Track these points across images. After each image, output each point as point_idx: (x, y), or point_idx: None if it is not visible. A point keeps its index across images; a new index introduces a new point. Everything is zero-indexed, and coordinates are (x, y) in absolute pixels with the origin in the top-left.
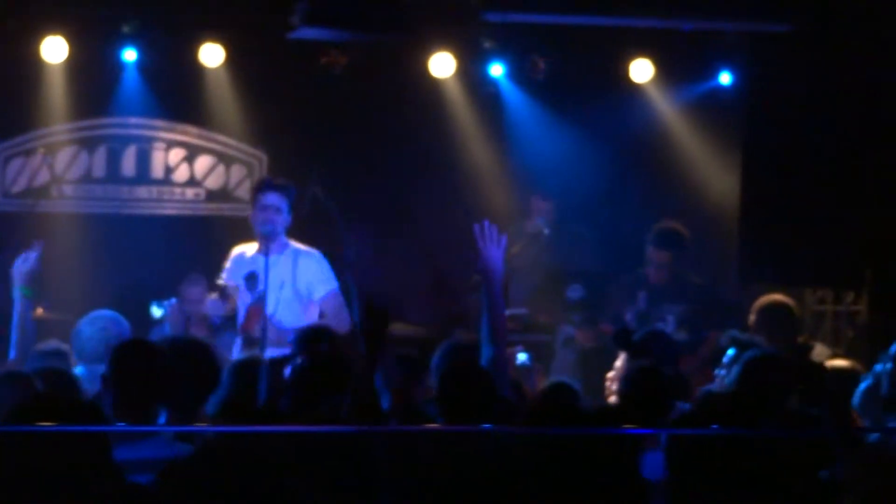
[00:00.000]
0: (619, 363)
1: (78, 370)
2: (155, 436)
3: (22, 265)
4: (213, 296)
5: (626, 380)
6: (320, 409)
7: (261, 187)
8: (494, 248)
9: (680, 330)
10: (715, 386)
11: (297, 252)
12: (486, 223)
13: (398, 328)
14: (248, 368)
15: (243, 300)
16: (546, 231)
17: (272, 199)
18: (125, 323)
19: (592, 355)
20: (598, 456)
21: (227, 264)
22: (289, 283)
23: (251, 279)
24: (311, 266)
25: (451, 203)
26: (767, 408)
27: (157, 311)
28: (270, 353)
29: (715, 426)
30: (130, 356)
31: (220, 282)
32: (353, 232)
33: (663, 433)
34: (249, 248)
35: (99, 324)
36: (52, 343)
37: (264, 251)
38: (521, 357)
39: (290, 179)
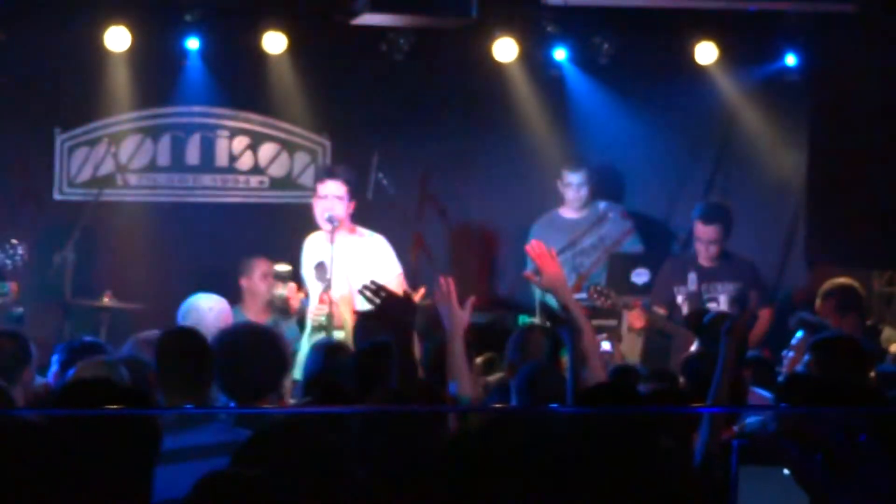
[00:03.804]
0: (693, 347)
1: None
2: (214, 421)
3: None
4: (280, 285)
5: (686, 365)
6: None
7: (320, 176)
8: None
9: (732, 309)
10: (784, 366)
11: (359, 239)
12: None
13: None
14: (333, 351)
15: (314, 288)
16: (611, 215)
17: (332, 187)
18: None
19: (660, 339)
20: (656, 439)
21: (303, 255)
22: (354, 269)
23: (320, 268)
24: (375, 251)
25: (514, 188)
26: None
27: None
28: (338, 336)
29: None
30: (172, 346)
31: (280, 267)
32: (412, 217)
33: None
34: (319, 237)
35: (213, 302)
36: (154, 332)
37: (329, 239)
38: (605, 345)
39: (354, 166)
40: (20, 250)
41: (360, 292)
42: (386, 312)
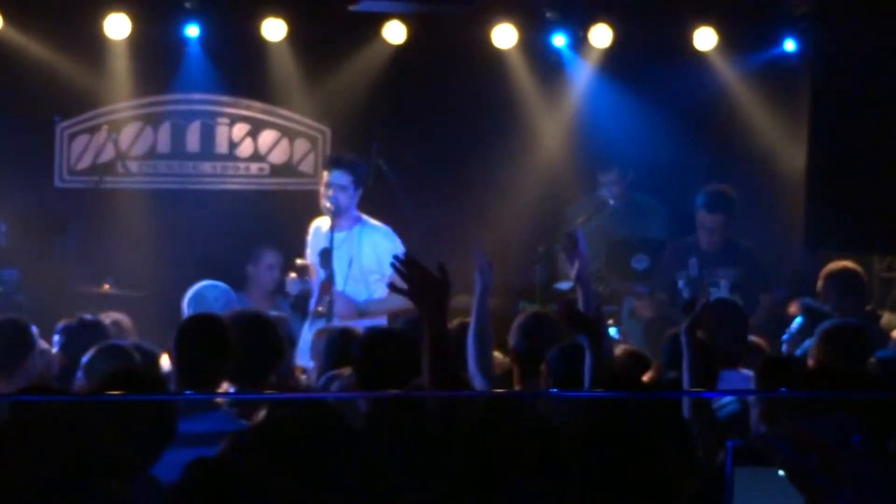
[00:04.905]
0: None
1: None
2: (217, 410)
3: None
4: (293, 275)
5: (663, 349)
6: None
7: (326, 164)
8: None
9: (733, 295)
10: (784, 352)
11: (363, 228)
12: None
13: (463, 300)
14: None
15: (318, 276)
16: (611, 202)
17: (336, 176)
18: None
19: (658, 325)
20: (652, 422)
21: (308, 239)
22: (356, 260)
23: (324, 255)
24: (378, 241)
25: (514, 175)
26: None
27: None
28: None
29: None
30: (194, 330)
31: (300, 261)
32: (413, 204)
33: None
34: (324, 223)
35: (220, 290)
36: (114, 315)
37: (331, 228)
38: (612, 331)
39: (354, 152)
40: (2, 227)
41: (392, 266)
42: (418, 290)
